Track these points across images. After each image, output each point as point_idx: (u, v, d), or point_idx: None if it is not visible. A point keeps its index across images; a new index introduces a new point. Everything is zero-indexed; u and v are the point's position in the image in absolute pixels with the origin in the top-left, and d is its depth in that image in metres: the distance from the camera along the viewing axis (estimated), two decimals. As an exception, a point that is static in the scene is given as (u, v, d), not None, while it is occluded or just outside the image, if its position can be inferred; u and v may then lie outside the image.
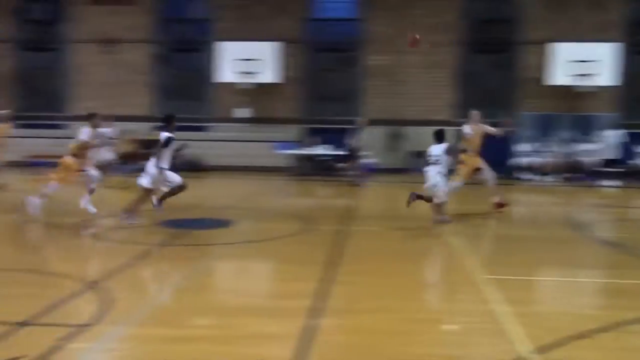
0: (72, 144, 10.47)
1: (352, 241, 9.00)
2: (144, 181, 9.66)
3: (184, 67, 21.89)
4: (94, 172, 10.57)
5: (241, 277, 7.36)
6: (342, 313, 5.65)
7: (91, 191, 10.44)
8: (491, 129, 11.79)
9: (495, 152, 19.51)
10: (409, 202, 10.25)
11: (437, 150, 10.33)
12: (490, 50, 20.90)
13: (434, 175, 10.20)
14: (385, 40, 20.34)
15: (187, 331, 5.15)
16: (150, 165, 9.67)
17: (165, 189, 9.75)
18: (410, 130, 19.94)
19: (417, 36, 11.42)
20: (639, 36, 19.95)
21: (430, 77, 20.41)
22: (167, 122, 9.85)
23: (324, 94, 21.39)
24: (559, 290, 6.96)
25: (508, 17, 20.44)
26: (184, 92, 21.48)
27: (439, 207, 10.35)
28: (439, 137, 10.46)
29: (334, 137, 19.80)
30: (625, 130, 18.81)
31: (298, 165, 19.31)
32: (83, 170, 10.29)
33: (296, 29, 20.85)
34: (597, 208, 14.01)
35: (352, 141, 17.33)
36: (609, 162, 17.77)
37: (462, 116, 20.42)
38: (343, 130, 20.06)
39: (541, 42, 19.61)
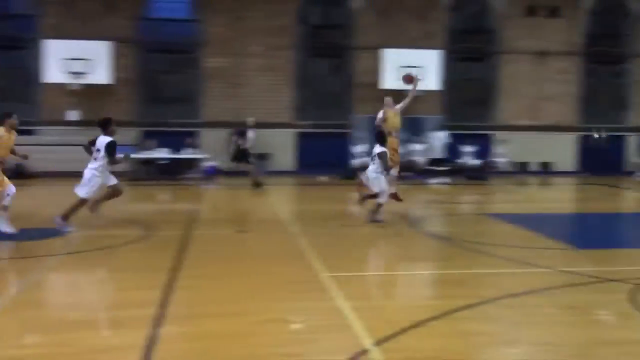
0: None
1: (195, 246, 8.81)
2: (82, 192, 9.45)
3: (7, 65, 20.27)
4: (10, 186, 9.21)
5: (77, 289, 6.90)
6: (186, 319, 5.51)
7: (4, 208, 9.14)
8: (406, 100, 11.88)
9: (334, 153, 20.24)
10: (361, 202, 10.97)
11: (375, 150, 10.79)
12: (326, 55, 21.53)
13: (372, 174, 10.59)
14: (223, 42, 20.23)
15: (16, 351, 4.73)
16: (89, 171, 9.45)
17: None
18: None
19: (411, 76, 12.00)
20: (458, 44, 21.55)
21: (268, 80, 20.59)
22: (104, 126, 9.60)
23: (160, 96, 20.82)
24: (397, 284, 7.30)
25: (342, 23, 21.17)
26: (8, 92, 19.86)
27: (378, 207, 10.59)
28: (378, 139, 10.86)
29: (171, 139, 19.35)
30: (449, 132, 20.21)
31: (134, 170, 18.59)
32: None
33: (129, 28, 20.08)
34: (429, 204, 14.90)
35: (241, 142, 17.21)
36: (437, 161, 18.99)
37: (302, 118, 20.92)
38: (182, 133, 19.70)
39: (373, 48, 20.54)
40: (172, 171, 18.94)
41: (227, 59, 20.32)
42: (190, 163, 19.14)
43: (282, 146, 20.52)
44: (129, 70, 20.05)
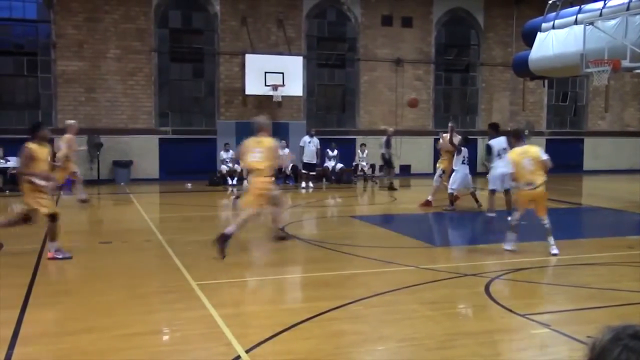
0: None
1: (53, 259, 8.31)
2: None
3: None
4: None
5: None
6: (45, 338, 5.17)
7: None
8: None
9: (199, 159, 19.90)
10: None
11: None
12: (188, 59, 21.15)
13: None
14: (77, 45, 19.23)
15: None
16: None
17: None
18: (110, 139, 19.20)
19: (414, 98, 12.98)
20: (319, 51, 22.02)
21: (127, 85, 19.87)
22: (496, 130, 12.09)
23: (8, 101, 19.46)
24: (267, 289, 7.30)
25: (203, 28, 20.90)
26: None
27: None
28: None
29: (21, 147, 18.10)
30: (316, 137, 20.54)
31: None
32: None
33: (-28, 29, 18.59)
34: (298, 208, 15.05)
35: (386, 150, 18.04)
36: (306, 165, 19.22)
37: (164, 124, 20.37)
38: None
39: (236, 53, 20.47)
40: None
41: (82, 62, 19.36)
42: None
43: (144, 153, 19.88)
44: (-28, 73, 18.57)
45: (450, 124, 14.53)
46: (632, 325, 1.22)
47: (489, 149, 12.12)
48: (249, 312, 6.25)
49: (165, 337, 5.45)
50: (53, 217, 8.13)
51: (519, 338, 5.49)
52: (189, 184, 18.29)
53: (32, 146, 8.25)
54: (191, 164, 19.64)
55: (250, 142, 8.49)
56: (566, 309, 6.22)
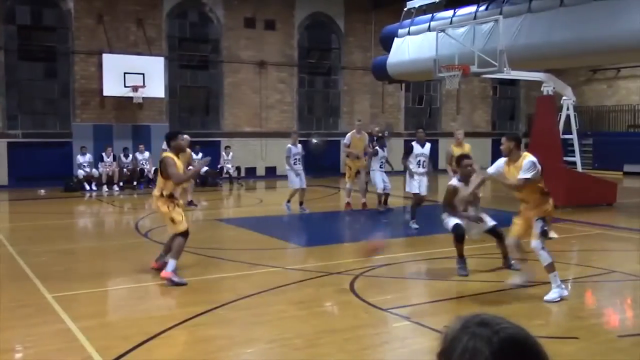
0: None
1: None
2: None
3: None
4: None
5: None
6: None
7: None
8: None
9: (54, 164, 18.79)
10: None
11: None
12: (39, 58, 19.92)
13: None
14: None
15: None
16: None
17: None
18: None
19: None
20: (181, 52, 21.59)
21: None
22: None
23: None
24: (130, 298, 7.04)
25: (57, 25, 19.78)
26: None
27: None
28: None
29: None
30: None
31: None
32: None
33: None
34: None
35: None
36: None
37: (13, 127, 19.04)
38: None
39: (93, 53, 19.57)
40: None
41: None
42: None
43: (-10, 158, 18.46)
44: None
45: (357, 122, 14.31)
46: (480, 314, 1.31)
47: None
48: (110, 322, 5.99)
49: (18, 355, 5.10)
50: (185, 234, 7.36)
51: (382, 332, 5.69)
52: (42, 191, 17.24)
53: (171, 155, 7.41)
54: (45, 169, 18.51)
55: None
56: (425, 302, 6.54)
